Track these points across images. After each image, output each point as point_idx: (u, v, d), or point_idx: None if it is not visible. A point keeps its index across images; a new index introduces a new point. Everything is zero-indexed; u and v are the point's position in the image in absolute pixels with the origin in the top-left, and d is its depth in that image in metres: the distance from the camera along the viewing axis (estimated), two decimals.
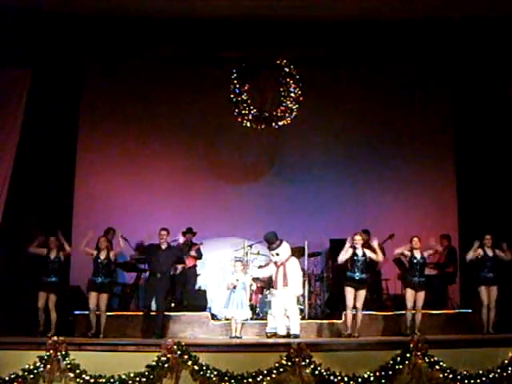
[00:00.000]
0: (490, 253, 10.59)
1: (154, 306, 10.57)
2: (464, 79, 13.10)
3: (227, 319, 10.53)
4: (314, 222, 13.06)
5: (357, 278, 10.27)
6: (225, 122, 12.81)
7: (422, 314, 10.39)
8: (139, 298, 11.87)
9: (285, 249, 10.30)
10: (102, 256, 10.46)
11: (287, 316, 10.06)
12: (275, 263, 10.34)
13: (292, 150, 13.55)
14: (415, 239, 10.46)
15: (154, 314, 10.44)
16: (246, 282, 10.41)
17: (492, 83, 12.29)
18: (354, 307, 10.26)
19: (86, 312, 11.04)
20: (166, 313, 10.65)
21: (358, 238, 10.40)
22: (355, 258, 10.32)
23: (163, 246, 10.54)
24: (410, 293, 10.33)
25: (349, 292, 10.25)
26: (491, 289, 10.51)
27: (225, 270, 12.16)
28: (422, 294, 10.32)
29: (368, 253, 10.38)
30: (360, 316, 10.28)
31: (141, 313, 10.79)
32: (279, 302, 10.14)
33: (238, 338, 10.07)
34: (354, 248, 10.35)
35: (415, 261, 10.40)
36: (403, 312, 10.67)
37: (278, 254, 10.26)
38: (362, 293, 10.27)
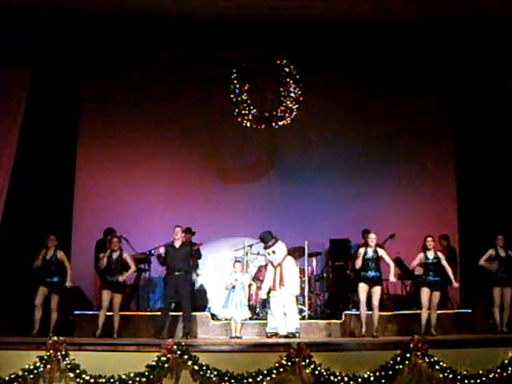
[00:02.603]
0: (502, 253, 10.58)
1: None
2: (464, 79, 13.11)
3: (227, 319, 10.53)
4: (314, 222, 13.05)
5: (370, 276, 10.26)
6: (225, 122, 12.82)
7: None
8: (139, 298, 11.89)
9: (280, 248, 10.28)
10: (115, 255, 10.46)
11: (285, 314, 10.07)
12: (271, 264, 10.34)
13: (292, 149, 13.56)
14: (429, 239, 10.43)
15: (172, 313, 10.41)
16: (244, 282, 10.41)
17: (492, 83, 12.30)
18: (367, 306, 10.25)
19: (87, 312, 11.10)
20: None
21: (374, 237, 10.40)
22: (367, 256, 10.31)
23: (177, 245, 10.54)
24: (425, 292, 10.27)
25: (361, 287, 10.24)
26: (505, 289, 10.50)
27: (224, 270, 12.14)
28: (437, 293, 10.29)
29: (381, 252, 10.37)
30: (376, 315, 10.24)
31: (141, 313, 10.80)
32: (278, 302, 10.14)
33: (238, 337, 10.07)
34: (367, 247, 10.36)
35: (429, 261, 10.36)
36: (404, 312, 10.72)
37: (274, 252, 10.25)
38: (377, 289, 10.24)
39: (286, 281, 10.11)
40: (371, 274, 10.27)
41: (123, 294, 10.53)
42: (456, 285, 10.60)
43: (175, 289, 10.33)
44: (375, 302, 10.21)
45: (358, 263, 10.30)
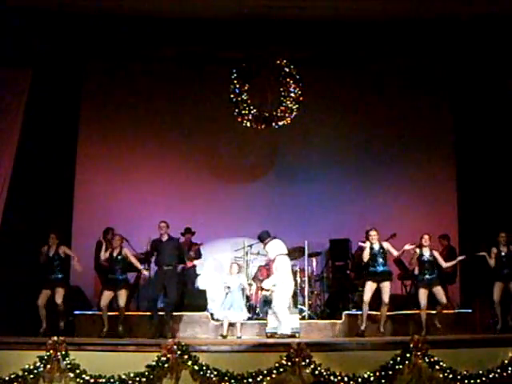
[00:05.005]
0: (504, 249, 10.56)
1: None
2: (464, 79, 13.11)
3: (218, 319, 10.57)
4: (314, 221, 13.06)
5: (379, 270, 10.23)
6: (225, 121, 12.82)
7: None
8: (139, 297, 11.88)
9: (273, 247, 10.34)
10: (116, 253, 10.47)
11: (275, 314, 10.10)
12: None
13: (292, 150, 13.56)
14: (425, 236, 10.37)
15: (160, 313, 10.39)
16: (241, 283, 10.45)
17: (492, 83, 12.29)
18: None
19: (87, 312, 11.11)
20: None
21: (374, 234, 10.37)
22: (373, 251, 10.27)
23: (164, 239, 10.55)
24: (422, 292, 10.21)
25: (368, 285, 10.19)
26: (510, 286, 10.45)
27: (224, 270, 12.15)
28: (439, 289, 10.23)
29: (386, 245, 10.35)
30: (385, 311, 10.22)
31: (140, 313, 10.79)
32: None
33: (223, 337, 10.12)
34: (371, 244, 10.32)
35: (425, 258, 10.33)
36: (404, 312, 10.73)
37: (267, 252, 10.43)
38: (386, 284, 10.19)
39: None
40: (380, 268, 10.24)
41: (127, 290, 10.49)
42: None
43: (162, 283, 10.34)
44: (385, 298, 10.13)
45: (366, 256, 10.26)
